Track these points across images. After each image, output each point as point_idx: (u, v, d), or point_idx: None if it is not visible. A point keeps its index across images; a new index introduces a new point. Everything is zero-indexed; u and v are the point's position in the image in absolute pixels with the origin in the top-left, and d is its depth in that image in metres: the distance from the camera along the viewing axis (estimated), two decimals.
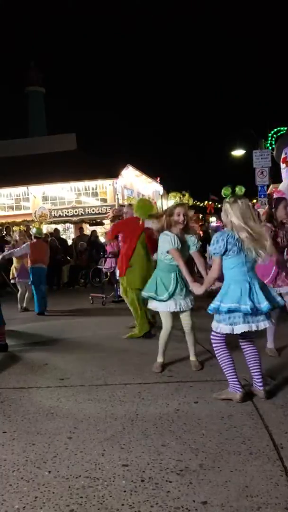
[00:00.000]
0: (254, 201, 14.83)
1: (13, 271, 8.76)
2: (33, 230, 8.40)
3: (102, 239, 14.36)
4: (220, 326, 3.15)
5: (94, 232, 15.20)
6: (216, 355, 3.26)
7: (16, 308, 8.44)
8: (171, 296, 3.95)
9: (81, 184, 25.03)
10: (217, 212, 34.72)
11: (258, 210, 6.75)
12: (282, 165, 10.19)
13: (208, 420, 2.88)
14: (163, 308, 4.00)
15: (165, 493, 2.09)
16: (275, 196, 4.86)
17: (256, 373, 3.23)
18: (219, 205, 32.97)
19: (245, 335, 3.22)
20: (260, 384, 3.21)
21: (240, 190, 3.18)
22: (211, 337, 3.26)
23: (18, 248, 8.05)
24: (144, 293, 4.17)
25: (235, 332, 3.11)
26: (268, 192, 14.52)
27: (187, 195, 4.15)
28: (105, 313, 7.79)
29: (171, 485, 2.16)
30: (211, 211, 32.61)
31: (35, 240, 8.13)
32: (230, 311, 3.06)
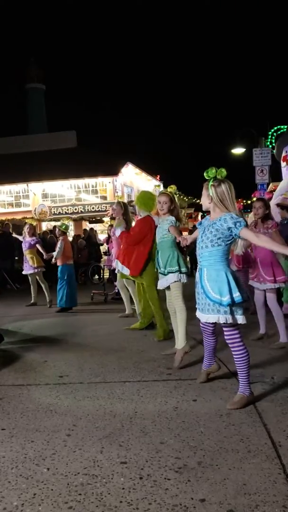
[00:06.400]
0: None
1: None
2: (59, 225, 8.04)
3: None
4: (240, 318, 2.97)
5: (91, 230, 15.37)
6: (241, 352, 2.98)
7: (15, 305, 8.43)
8: None
9: (81, 182, 25.03)
10: None
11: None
12: (283, 164, 10.19)
13: (207, 418, 2.88)
14: None
15: (163, 491, 2.10)
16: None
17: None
18: None
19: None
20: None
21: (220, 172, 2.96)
22: (232, 333, 2.98)
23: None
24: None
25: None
26: (268, 191, 14.52)
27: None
28: (104, 310, 7.79)
29: (169, 483, 2.16)
30: None
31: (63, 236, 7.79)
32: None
